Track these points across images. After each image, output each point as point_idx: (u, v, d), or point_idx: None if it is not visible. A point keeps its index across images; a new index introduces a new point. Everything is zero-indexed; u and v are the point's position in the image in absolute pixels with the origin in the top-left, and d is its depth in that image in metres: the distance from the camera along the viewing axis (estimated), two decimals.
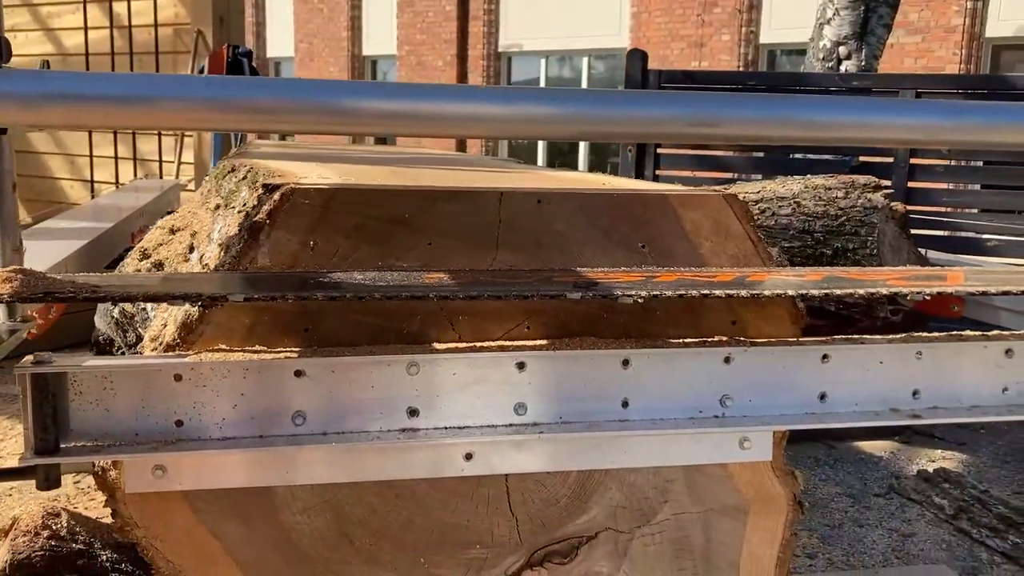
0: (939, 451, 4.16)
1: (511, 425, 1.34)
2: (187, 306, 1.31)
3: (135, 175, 6.74)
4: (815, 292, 1.24)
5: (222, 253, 1.38)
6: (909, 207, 5.19)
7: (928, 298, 1.19)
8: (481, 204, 1.37)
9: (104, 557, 1.55)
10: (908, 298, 1.15)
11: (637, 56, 5.43)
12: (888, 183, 5.16)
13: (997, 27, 13.17)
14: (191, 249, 1.69)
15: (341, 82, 1.25)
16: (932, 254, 4.16)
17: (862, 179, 3.14)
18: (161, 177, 6.53)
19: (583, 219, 1.40)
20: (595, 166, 16.02)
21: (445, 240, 1.36)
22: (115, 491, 1.30)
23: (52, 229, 3.10)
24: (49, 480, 1.25)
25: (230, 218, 1.49)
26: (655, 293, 1.19)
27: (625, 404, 1.38)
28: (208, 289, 1.15)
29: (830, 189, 3.08)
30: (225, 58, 6.03)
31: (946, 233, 5.36)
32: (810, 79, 6.42)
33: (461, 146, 17.68)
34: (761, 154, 6.09)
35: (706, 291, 1.20)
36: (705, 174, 5.93)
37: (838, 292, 1.24)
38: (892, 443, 4.22)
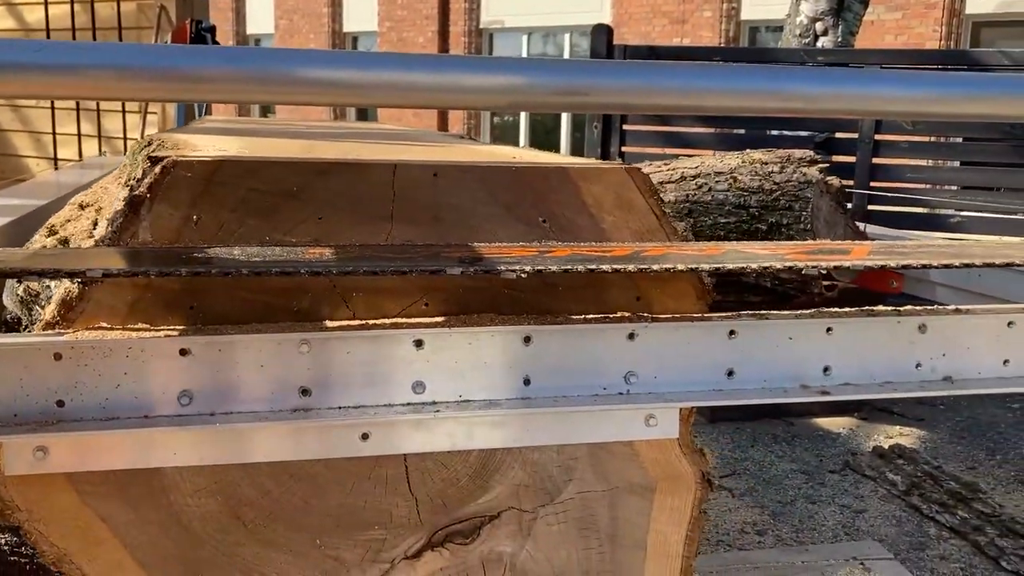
0: (897, 427, 4.16)
1: (409, 404, 1.31)
2: (67, 283, 1.27)
3: (99, 152, 6.65)
4: (706, 266, 1.21)
5: (108, 227, 1.33)
6: (873, 183, 5.19)
7: (824, 272, 1.16)
8: (373, 177, 1.33)
9: (2, 541, 1.52)
10: (803, 272, 1.12)
11: (602, 31, 5.38)
12: (853, 159, 5.17)
13: (977, 3, 13.13)
14: (95, 225, 1.65)
15: (276, 50, 1.19)
16: (885, 231, 4.14)
17: (798, 153, 3.11)
18: (125, 154, 6.44)
19: (483, 193, 1.37)
20: (577, 143, 15.96)
21: (336, 214, 1.32)
22: None
23: None
24: None
25: (122, 192, 1.44)
26: (539, 268, 1.16)
27: (527, 381, 1.35)
28: (73, 265, 1.11)
29: (766, 164, 3.04)
30: (188, 33, 5.94)
31: (912, 209, 5.34)
32: (776, 54, 6.38)
33: (443, 123, 17.57)
34: (742, 131, 6.05)
35: (592, 266, 1.17)
36: (673, 150, 5.89)
37: (730, 266, 1.21)
38: (851, 419, 4.22)
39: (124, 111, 6.58)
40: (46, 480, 1.28)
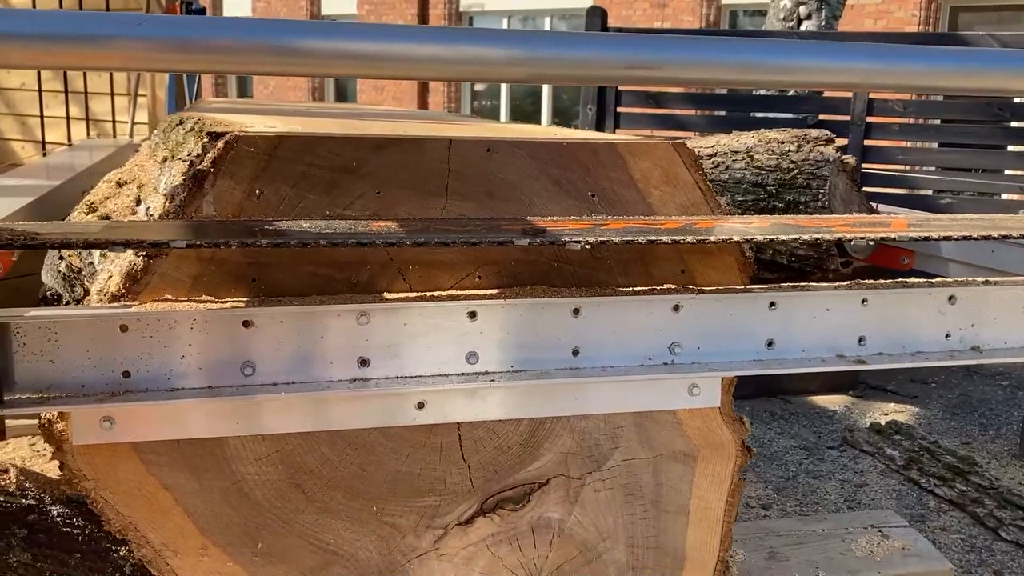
0: (891, 404, 4.25)
1: (463, 374, 1.35)
2: (131, 256, 1.29)
3: (88, 135, 6.59)
4: (760, 238, 1.26)
5: (167, 203, 1.36)
6: (865, 165, 5.26)
7: (872, 243, 1.20)
8: (430, 152, 1.36)
9: (55, 512, 1.53)
10: (852, 243, 1.16)
11: (596, 13, 5.41)
12: (844, 141, 5.22)
13: None
14: (138, 202, 1.67)
15: (289, 21, 1.21)
16: (896, 209, 4.20)
17: (814, 132, 3.16)
18: (115, 137, 6.39)
19: (534, 168, 1.40)
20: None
21: (393, 189, 1.35)
22: (62, 443, 1.29)
23: None
24: None
25: (175, 168, 1.46)
26: (602, 239, 1.19)
27: (576, 352, 1.39)
28: (151, 236, 1.14)
29: (783, 143, 3.10)
30: (178, 14, 5.91)
31: (903, 191, 5.42)
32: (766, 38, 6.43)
33: (423, 104, 17.50)
34: (723, 112, 6.11)
35: (653, 237, 1.21)
36: (666, 133, 5.93)
37: (783, 237, 1.26)
38: (846, 397, 4.31)
39: (112, 94, 6.53)
40: (112, 449, 1.30)
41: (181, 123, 1.86)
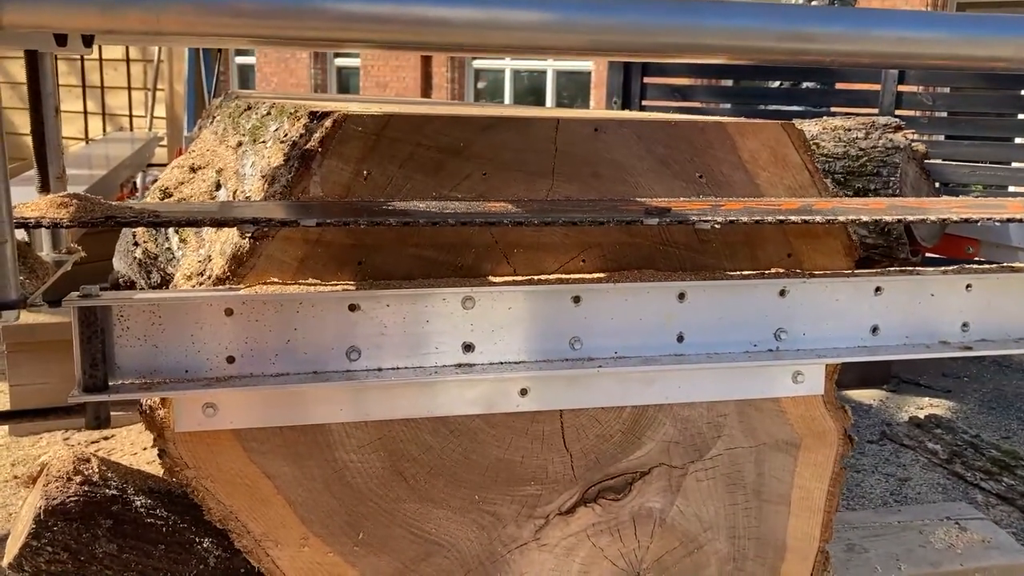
0: (926, 399, 4.21)
1: (566, 360, 1.32)
2: (236, 238, 1.26)
3: (103, 130, 6.55)
4: (888, 219, 1.22)
5: (267, 185, 1.32)
6: None
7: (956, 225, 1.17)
8: (537, 132, 1.32)
9: (138, 503, 1.50)
10: (967, 222, 1.13)
11: None
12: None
13: None
14: (218, 186, 1.63)
15: None
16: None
17: (882, 119, 3.13)
18: (132, 131, 6.36)
19: (640, 148, 1.37)
20: None
21: (500, 170, 1.32)
22: (163, 430, 1.26)
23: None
24: (99, 419, 1.21)
25: (267, 151, 1.43)
26: (731, 219, 1.16)
27: (680, 338, 1.35)
28: (273, 216, 1.10)
29: (850, 130, 3.06)
30: None
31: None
32: None
33: (427, 88, 17.40)
34: (750, 106, 6.04)
35: (781, 217, 1.18)
36: None
37: (911, 218, 1.22)
38: (880, 391, 4.27)
39: (129, 88, 6.48)
40: (214, 437, 1.27)
41: (249, 108, 1.82)
